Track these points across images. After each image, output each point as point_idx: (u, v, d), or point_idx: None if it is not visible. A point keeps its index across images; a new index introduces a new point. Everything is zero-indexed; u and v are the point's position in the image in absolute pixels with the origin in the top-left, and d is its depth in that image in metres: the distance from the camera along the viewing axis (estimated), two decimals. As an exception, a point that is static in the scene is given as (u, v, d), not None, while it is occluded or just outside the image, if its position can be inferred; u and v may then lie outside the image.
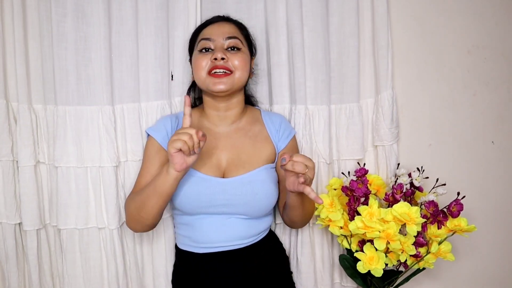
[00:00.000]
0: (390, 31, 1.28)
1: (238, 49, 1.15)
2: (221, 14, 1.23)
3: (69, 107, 1.21)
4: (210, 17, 1.22)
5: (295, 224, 1.22)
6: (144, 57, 1.25)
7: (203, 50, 1.16)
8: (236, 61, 1.13)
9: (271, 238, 1.23)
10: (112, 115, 1.23)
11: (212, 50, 1.15)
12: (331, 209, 1.17)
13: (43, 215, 1.26)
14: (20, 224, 1.25)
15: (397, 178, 1.23)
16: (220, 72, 1.12)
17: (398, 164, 1.31)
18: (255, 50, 1.27)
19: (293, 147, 1.24)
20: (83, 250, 1.24)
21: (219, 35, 1.15)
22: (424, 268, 1.21)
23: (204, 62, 1.14)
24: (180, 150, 0.97)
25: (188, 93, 1.28)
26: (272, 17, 1.26)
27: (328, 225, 1.19)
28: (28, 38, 1.22)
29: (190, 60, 1.22)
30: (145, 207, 1.07)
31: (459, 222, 1.17)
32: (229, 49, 1.15)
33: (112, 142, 1.22)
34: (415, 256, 1.16)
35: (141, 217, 1.09)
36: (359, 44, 1.30)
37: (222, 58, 1.12)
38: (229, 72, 1.12)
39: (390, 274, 1.22)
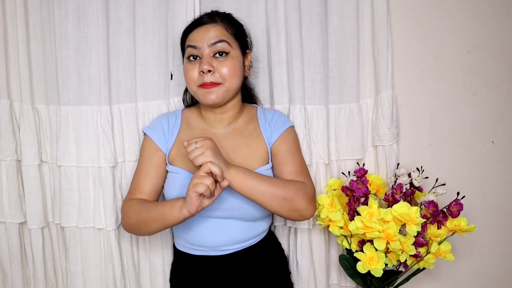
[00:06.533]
0: (390, 31, 1.28)
1: (226, 53, 1.11)
2: (209, 11, 1.18)
3: (71, 107, 1.22)
4: (198, 16, 1.19)
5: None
6: (141, 57, 1.26)
7: (191, 58, 1.13)
8: (225, 69, 1.10)
9: (269, 239, 1.23)
10: (110, 115, 1.23)
11: (200, 58, 1.11)
12: (331, 209, 1.17)
13: (46, 213, 1.28)
14: (24, 223, 1.26)
15: (396, 178, 1.23)
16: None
17: (398, 164, 1.31)
18: (251, 44, 1.24)
19: (287, 139, 1.17)
20: (83, 249, 1.25)
21: (204, 41, 1.10)
22: (424, 268, 1.21)
23: (194, 74, 1.11)
24: (201, 194, 0.96)
25: (185, 93, 1.28)
26: (273, 16, 1.26)
27: (328, 225, 1.19)
28: (31, 39, 1.22)
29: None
30: (147, 227, 1.07)
31: (459, 222, 1.17)
32: (217, 54, 1.11)
33: (109, 142, 1.23)
34: (415, 256, 1.16)
35: (140, 231, 1.11)
36: (358, 44, 1.30)
37: (209, 71, 1.09)
38: (218, 83, 1.10)
39: (390, 274, 1.22)
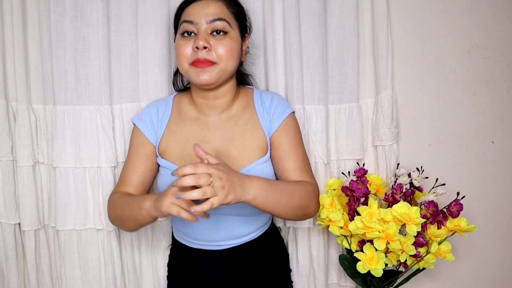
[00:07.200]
0: (390, 31, 1.28)
1: (225, 32, 1.02)
2: None
3: (67, 107, 1.21)
4: None
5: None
6: (143, 57, 1.25)
7: (185, 34, 1.03)
8: (221, 49, 1.01)
9: (271, 234, 1.20)
10: (111, 115, 1.23)
11: (195, 34, 1.02)
12: (331, 209, 1.17)
13: (42, 216, 1.26)
14: (19, 224, 1.25)
15: (396, 178, 1.23)
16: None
17: (398, 164, 1.31)
18: (250, 27, 1.16)
19: (289, 130, 1.09)
20: (81, 251, 1.24)
21: (202, 17, 1.01)
22: (424, 268, 1.21)
23: (186, 50, 1.02)
24: None
25: (175, 76, 1.21)
26: (269, 16, 1.26)
27: (328, 225, 1.19)
28: (28, 37, 1.21)
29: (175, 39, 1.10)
30: (125, 225, 1.05)
31: (459, 222, 1.17)
32: (215, 32, 1.02)
33: (110, 142, 1.22)
34: (415, 256, 1.16)
35: (121, 227, 1.10)
36: (358, 44, 1.29)
37: (205, 47, 0.99)
38: (212, 62, 1.01)
39: (390, 274, 1.22)
